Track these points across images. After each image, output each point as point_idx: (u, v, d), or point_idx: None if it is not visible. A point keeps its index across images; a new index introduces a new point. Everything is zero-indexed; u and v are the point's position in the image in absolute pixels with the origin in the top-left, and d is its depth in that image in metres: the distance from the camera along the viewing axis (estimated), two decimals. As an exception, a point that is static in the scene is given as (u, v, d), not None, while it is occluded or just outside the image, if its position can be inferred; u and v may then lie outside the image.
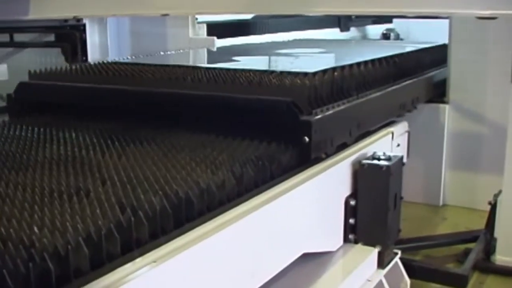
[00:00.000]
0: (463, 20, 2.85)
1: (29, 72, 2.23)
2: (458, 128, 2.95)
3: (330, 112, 1.75)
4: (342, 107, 1.83)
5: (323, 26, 4.55)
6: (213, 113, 1.83)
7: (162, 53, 2.82)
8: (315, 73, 1.98)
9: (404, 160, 1.90)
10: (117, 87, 2.03)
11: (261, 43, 3.49)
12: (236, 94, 1.82)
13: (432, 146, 2.96)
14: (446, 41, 3.00)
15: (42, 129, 1.81)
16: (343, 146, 1.82)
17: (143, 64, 2.32)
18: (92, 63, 2.44)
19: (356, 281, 1.73)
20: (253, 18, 3.97)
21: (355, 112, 1.90)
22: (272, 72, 2.02)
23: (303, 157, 1.62)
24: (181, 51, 3.10)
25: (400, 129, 2.22)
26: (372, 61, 2.40)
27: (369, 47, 3.74)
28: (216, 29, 3.36)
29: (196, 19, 3.26)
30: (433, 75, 2.86)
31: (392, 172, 1.75)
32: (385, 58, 2.52)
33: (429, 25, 4.30)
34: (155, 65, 2.28)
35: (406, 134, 2.30)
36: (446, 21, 3.03)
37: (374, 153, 1.83)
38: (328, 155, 1.72)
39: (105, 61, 2.44)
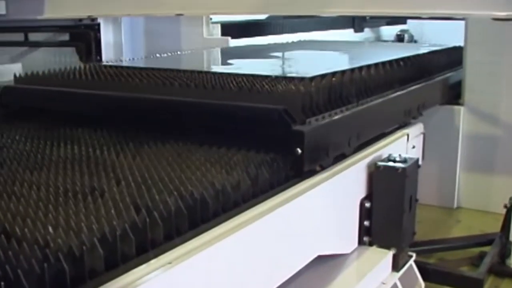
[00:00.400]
0: (479, 22, 2.83)
1: (14, 75, 2.17)
2: (473, 130, 2.93)
3: (326, 121, 1.63)
4: (340, 115, 1.70)
5: (337, 27, 4.54)
6: (198, 121, 1.71)
7: (158, 55, 2.77)
8: (312, 78, 1.89)
9: (419, 162, 1.88)
10: (98, 92, 1.93)
11: (265, 45, 3.41)
12: (223, 101, 1.70)
13: (446, 148, 2.94)
14: (461, 43, 2.98)
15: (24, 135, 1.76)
16: (342, 157, 1.72)
17: (136, 68, 2.22)
18: (83, 66, 2.35)
19: (371, 283, 1.72)
20: (267, 18, 3.97)
21: (354, 121, 1.77)
22: (267, 76, 1.94)
23: (295, 170, 1.50)
24: (180, 52, 3.07)
25: (415, 131, 2.21)
26: (376, 65, 2.29)
27: (377, 49, 3.61)
28: (230, 29, 3.36)
29: (210, 19, 3.26)
30: (442, 79, 2.72)
31: (408, 174, 1.74)
32: (391, 61, 2.41)
33: (444, 27, 4.29)
34: (147, 69, 2.20)
35: (422, 136, 2.29)
36: (461, 22, 3.01)
37: (390, 155, 1.82)
38: (324, 168, 1.61)
39: (99, 64, 2.38)
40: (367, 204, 1.78)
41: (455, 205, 3.01)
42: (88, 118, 1.88)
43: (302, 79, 1.88)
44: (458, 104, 2.93)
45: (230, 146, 1.55)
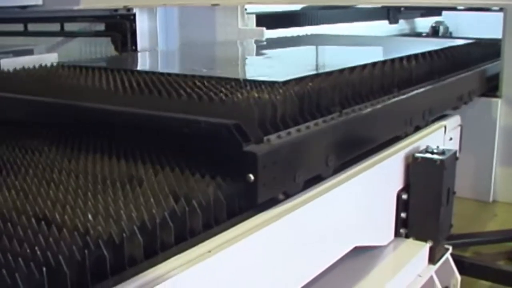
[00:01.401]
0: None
1: None
2: (510, 123, 2.89)
3: (293, 137, 1.31)
4: (312, 129, 1.39)
5: (372, 18, 4.51)
6: (137, 135, 1.43)
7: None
8: (285, 83, 1.64)
9: (457, 154, 1.86)
10: (27, 97, 1.69)
11: (268, 38, 3.24)
12: (167, 111, 1.41)
13: (483, 141, 2.91)
14: (496, 35, 2.94)
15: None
16: (319, 179, 1.43)
17: (94, 68, 2.00)
18: (43, 65, 2.12)
19: (407, 276, 1.71)
20: (302, 9, 3.96)
21: (333, 135, 1.45)
22: (234, 80, 1.67)
23: (248, 200, 1.20)
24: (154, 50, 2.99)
25: (453, 123, 2.18)
26: (374, 64, 1.99)
27: (391, 45, 3.13)
28: (265, 20, 3.35)
29: (245, 9, 3.25)
30: (452, 82, 2.26)
31: (446, 166, 1.72)
32: (393, 60, 2.11)
33: (480, 18, 4.24)
34: (101, 69, 1.97)
35: (459, 128, 2.26)
36: (498, 14, 2.97)
37: (428, 146, 1.80)
38: (290, 195, 1.32)
39: (58, 64, 2.16)
40: (404, 196, 1.76)
41: (491, 199, 2.98)
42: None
43: (273, 83, 1.62)
44: (495, 96, 2.89)
45: (173, 168, 1.27)
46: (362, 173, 1.55)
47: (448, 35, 5.07)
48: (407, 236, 1.80)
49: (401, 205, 1.77)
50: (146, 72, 1.87)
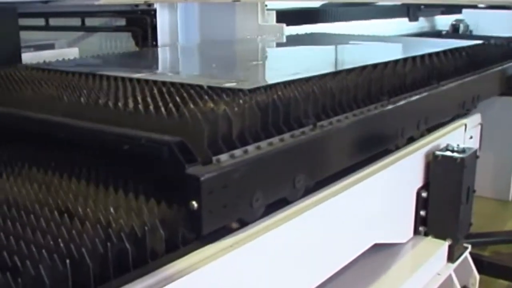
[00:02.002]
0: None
1: None
2: (531, 122, 2.87)
3: (249, 156, 1.12)
4: (276, 146, 1.18)
5: (391, 15, 4.49)
6: (71, 149, 1.31)
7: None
8: (252, 90, 1.42)
9: (477, 153, 1.85)
10: None
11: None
12: (105, 122, 1.24)
13: (503, 140, 2.90)
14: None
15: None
16: (286, 202, 1.26)
17: (48, 70, 1.85)
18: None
19: (426, 274, 1.71)
20: (322, 6, 3.95)
21: (303, 153, 1.25)
22: (196, 87, 1.47)
23: (192, 231, 1.04)
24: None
25: (473, 121, 2.17)
26: (362, 69, 1.76)
27: (393, 45, 2.82)
28: (286, 17, 3.34)
29: (266, 6, 3.25)
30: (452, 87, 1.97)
31: (466, 165, 1.71)
32: (386, 64, 1.86)
33: (501, 16, 4.22)
34: (57, 71, 1.82)
35: (479, 127, 2.25)
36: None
37: (448, 144, 1.79)
38: (249, 223, 1.16)
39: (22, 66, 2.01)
40: (424, 194, 1.76)
41: (510, 198, 2.97)
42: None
43: (237, 91, 1.42)
44: (516, 95, 2.88)
45: (108, 186, 1.16)
46: (382, 171, 1.54)
47: (468, 33, 5.05)
48: (426, 234, 1.79)
49: (420, 203, 1.76)
50: (101, 76, 1.69)
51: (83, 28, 3.33)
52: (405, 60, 1.95)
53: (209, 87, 1.46)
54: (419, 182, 1.76)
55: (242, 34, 3.20)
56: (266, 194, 1.15)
